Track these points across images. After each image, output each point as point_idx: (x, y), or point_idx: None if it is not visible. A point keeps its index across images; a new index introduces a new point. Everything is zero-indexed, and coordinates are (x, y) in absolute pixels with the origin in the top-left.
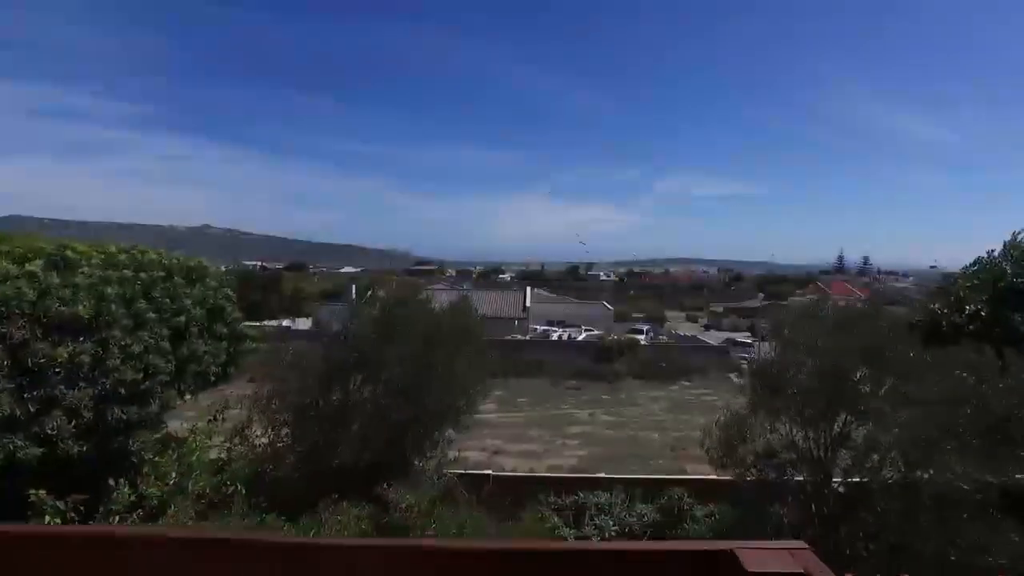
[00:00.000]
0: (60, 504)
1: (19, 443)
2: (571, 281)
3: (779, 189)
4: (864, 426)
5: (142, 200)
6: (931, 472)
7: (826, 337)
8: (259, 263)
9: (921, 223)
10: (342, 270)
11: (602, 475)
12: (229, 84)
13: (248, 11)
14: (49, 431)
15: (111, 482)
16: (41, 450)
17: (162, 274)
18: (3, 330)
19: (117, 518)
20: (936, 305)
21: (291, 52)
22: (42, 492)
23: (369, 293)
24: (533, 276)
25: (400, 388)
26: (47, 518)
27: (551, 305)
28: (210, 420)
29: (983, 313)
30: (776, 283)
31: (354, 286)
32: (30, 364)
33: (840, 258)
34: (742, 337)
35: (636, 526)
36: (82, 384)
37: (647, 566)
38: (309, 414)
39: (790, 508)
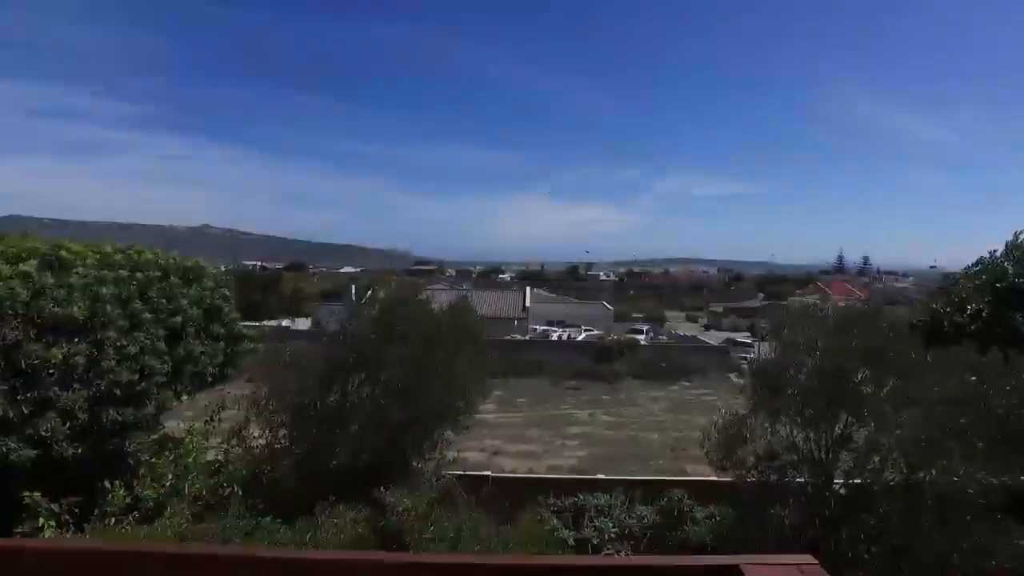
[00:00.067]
0: (54, 507)
1: (13, 445)
2: (571, 281)
3: (779, 189)
4: (865, 427)
5: (142, 200)
6: (933, 474)
7: (826, 337)
8: (259, 263)
9: (921, 223)
10: (342, 270)
11: (601, 476)
12: (229, 84)
13: (248, 11)
14: (43, 433)
15: (106, 484)
16: (35, 452)
17: (158, 274)
18: None
19: (112, 520)
20: (937, 305)
21: (291, 52)
22: (36, 494)
23: (369, 293)
24: (533, 276)
25: (399, 388)
26: (41, 520)
27: (551, 305)
28: (207, 421)
29: (985, 313)
30: (776, 283)
31: (354, 286)
32: (24, 365)
33: (840, 258)
34: (742, 337)
35: (636, 528)
36: (77, 386)
37: None
38: (307, 415)
39: (791, 510)
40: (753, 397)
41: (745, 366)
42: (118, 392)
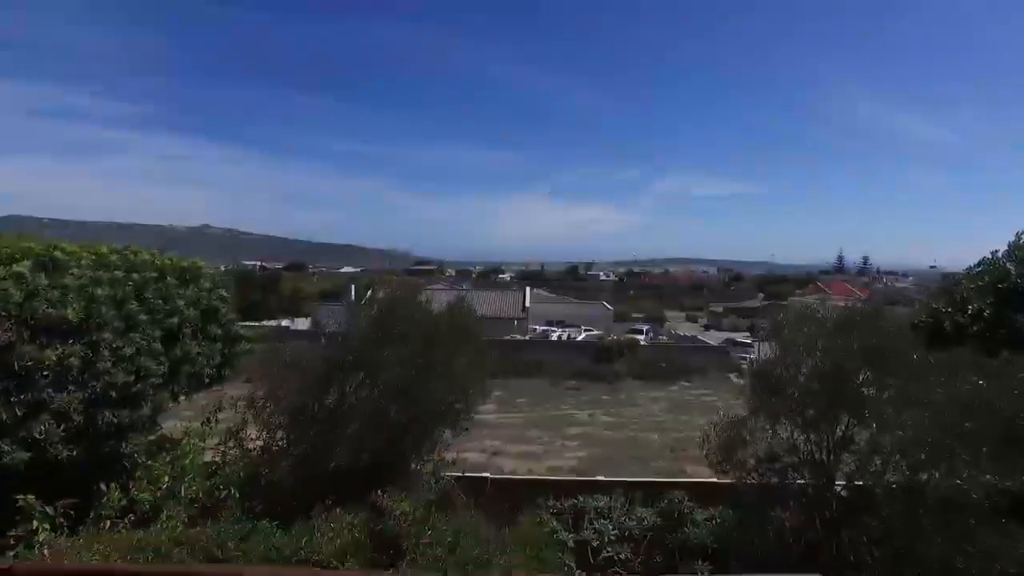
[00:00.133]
0: (49, 509)
1: (6, 448)
2: (571, 281)
3: (779, 189)
4: (867, 428)
5: (142, 200)
6: (936, 476)
7: (827, 338)
8: (259, 263)
9: (921, 223)
10: (342, 270)
11: (601, 477)
12: (229, 84)
13: (248, 11)
14: (37, 435)
15: (102, 487)
16: (29, 454)
17: (155, 275)
18: None
19: (108, 523)
20: (939, 305)
21: (291, 52)
22: (31, 497)
23: (368, 293)
24: (533, 276)
25: (399, 389)
26: (35, 523)
27: (551, 305)
28: (203, 422)
29: (987, 314)
30: (776, 283)
31: (353, 286)
32: (17, 367)
33: (840, 258)
34: (742, 337)
35: (636, 530)
36: (71, 387)
37: None
38: (305, 415)
39: (792, 512)
40: (753, 398)
41: (745, 366)
42: (113, 394)
